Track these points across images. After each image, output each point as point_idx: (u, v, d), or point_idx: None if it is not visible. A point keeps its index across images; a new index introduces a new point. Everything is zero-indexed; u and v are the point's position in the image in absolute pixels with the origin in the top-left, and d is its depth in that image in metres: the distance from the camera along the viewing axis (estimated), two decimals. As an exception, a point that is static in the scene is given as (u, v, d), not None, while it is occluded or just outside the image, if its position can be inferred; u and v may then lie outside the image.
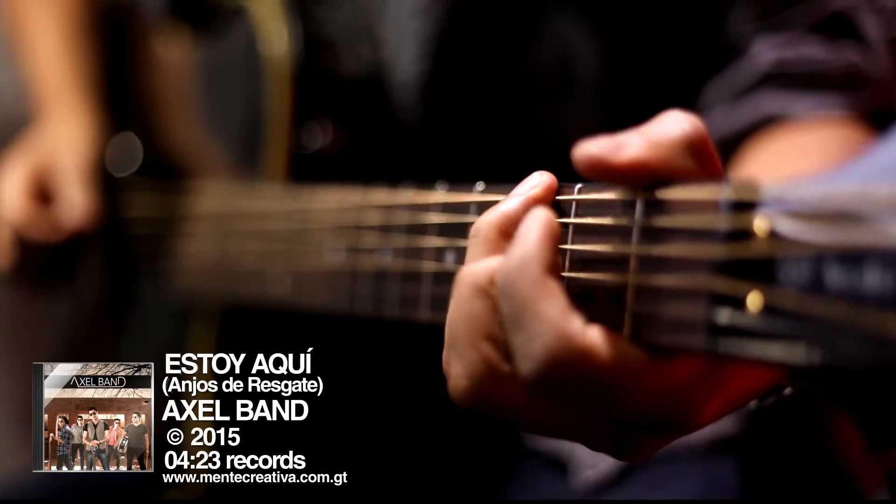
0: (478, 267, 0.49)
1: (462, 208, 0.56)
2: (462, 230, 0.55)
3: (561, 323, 0.46)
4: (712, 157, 0.47)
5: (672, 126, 0.47)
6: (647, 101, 0.48)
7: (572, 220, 0.49)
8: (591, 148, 0.47)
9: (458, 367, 0.50)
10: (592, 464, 0.86)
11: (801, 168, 0.69)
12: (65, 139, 1.09)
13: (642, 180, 0.46)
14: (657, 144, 0.46)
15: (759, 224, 0.42)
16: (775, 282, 0.41)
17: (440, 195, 0.58)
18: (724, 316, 0.42)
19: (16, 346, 1.60)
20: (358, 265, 0.66)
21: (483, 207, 0.56)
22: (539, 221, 0.48)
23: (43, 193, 1.07)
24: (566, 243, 0.49)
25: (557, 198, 0.50)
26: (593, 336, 0.46)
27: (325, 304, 0.72)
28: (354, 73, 0.91)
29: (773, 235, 0.41)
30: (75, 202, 1.04)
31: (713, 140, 0.82)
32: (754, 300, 0.42)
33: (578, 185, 0.50)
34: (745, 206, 0.42)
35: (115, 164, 1.11)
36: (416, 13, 0.89)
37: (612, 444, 0.49)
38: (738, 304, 0.42)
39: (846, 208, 0.40)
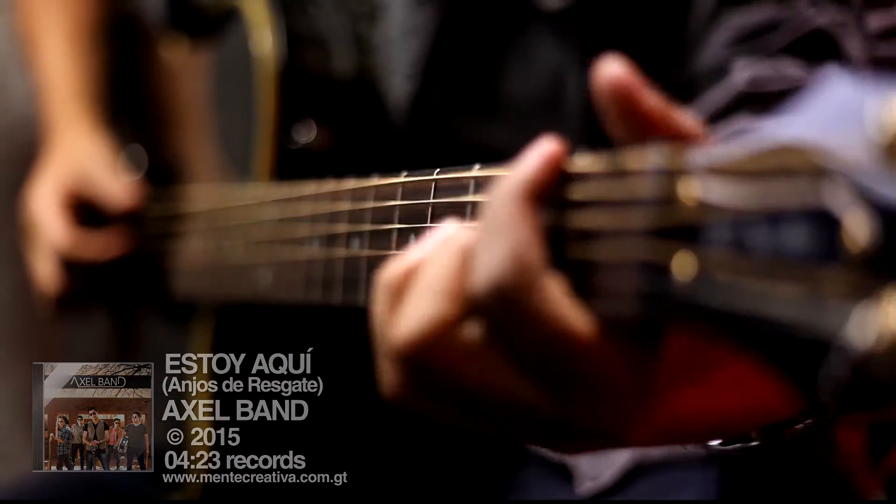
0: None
1: (422, 193, 0.57)
2: (420, 215, 0.57)
3: (526, 250, 0.45)
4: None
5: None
6: None
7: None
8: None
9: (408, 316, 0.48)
10: (593, 475, 0.85)
11: None
12: (83, 151, 1.10)
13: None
14: None
15: (687, 188, 0.41)
16: (704, 246, 0.41)
17: (400, 179, 0.59)
18: (653, 283, 0.42)
19: (23, 345, 1.62)
20: (330, 254, 0.68)
21: (440, 189, 0.56)
22: (541, 149, 0.48)
23: (79, 205, 1.08)
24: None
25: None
26: (551, 279, 0.45)
27: (302, 295, 0.73)
28: (344, 73, 0.92)
29: (700, 199, 0.41)
30: (117, 189, 1.04)
31: None
32: (684, 266, 0.41)
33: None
34: (672, 172, 0.42)
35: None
36: (406, 33, 0.90)
37: (553, 428, 0.47)
38: (668, 271, 0.42)
39: (771, 166, 0.40)
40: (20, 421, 1.63)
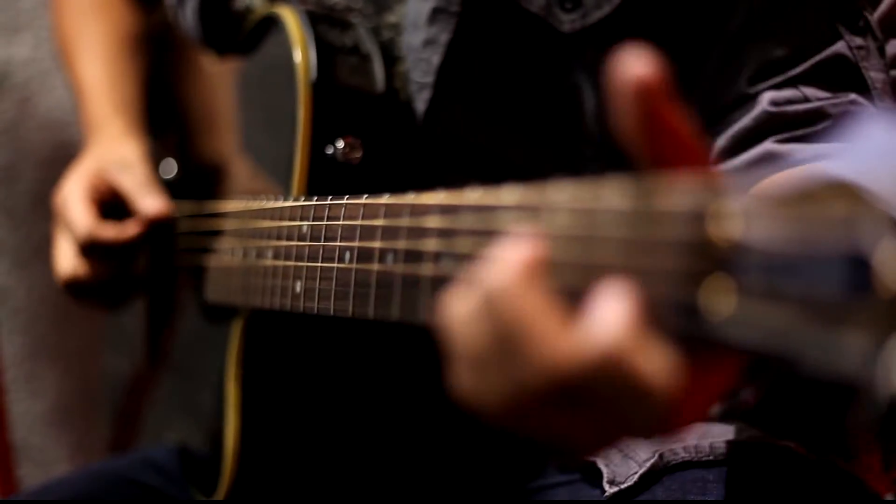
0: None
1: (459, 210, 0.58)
2: (457, 233, 0.57)
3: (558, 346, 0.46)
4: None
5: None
6: None
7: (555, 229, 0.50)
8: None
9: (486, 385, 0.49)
10: (615, 480, 0.86)
11: None
12: (117, 156, 1.11)
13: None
14: None
15: (721, 229, 0.42)
16: (737, 287, 0.41)
17: (440, 196, 0.59)
18: (687, 321, 0.43)
19: (58, 336, 1.63)
20: (361, 268, 0.68)
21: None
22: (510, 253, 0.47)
23: (104, 201, 1.09)
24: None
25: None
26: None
27: (330, 306, 0.74)
28: (376, 84, 0.93)
29: (734, 241, 0.41)
30: (147, 200, 1.05)
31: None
32: (717, 306, 0.42)
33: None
34: (705, 214, 0.42)
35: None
36: (424, 44, 0.91)
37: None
38: (701, 310, 0.42)
39: (807, 209, 0.40)
40: (45, 421, 1.64)
